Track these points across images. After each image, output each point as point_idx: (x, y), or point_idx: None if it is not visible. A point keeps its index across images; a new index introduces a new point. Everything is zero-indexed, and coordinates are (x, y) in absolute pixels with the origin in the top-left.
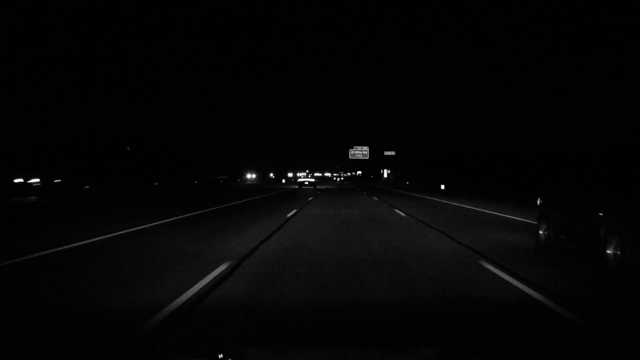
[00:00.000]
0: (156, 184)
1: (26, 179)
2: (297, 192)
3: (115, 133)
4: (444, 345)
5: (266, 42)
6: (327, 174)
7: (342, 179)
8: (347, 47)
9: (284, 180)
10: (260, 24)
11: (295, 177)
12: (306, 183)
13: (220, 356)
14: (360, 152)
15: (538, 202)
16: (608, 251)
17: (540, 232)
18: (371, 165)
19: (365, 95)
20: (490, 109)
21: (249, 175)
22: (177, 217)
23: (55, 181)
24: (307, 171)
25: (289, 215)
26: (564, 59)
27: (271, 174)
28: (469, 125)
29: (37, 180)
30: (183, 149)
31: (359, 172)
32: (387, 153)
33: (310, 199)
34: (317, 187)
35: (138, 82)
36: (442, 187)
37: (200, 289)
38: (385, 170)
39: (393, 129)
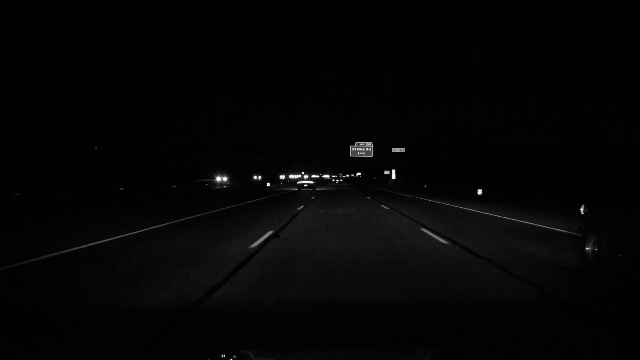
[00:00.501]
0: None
1: None
2: (262, 207)
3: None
4: (444, 346)
5: (247, 27)
6: (326, 176)
7: (340, 180)
8: (348, 27)
9: (268, 184)
10: (241, 11)
11: (287, 180)
12: (305, 185)
13: (220, 357)
14: (362, 149)
15: (582, 210)
16: None
17: (588, 248)
18: (374, 166)
19: (368, 86)
20: (514, 101)
21: (218, 178)
22: None
23: None
24: (302, 173)
25: None
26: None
27: (256, 177)
28: (487, 118)
29: None
30: (152, 149)
31: (359, 174)
32: (395, 150)
33: (265, 236)
34: (314, 189)
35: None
36: (480, 192)
37: None
38: (393, 171)
39: (401, 124)
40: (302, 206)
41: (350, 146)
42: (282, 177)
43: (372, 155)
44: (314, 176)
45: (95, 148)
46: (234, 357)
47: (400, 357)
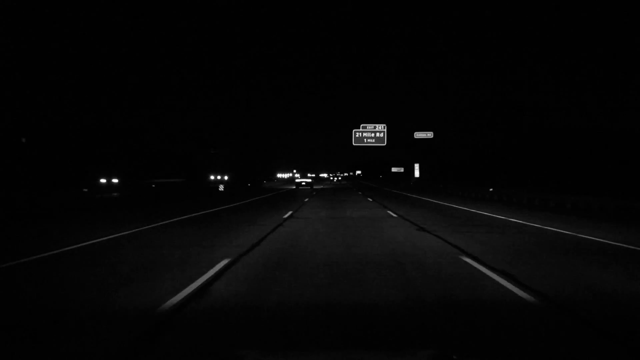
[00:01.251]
0: None
1: None
2: None
3: None
4: (442, 347)
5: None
6: (323, 175)
7: (339, 179)
8: None
9: (221, 187)
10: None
11: (265, 179)
12: (303, 183)
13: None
14: (371, 134)
15: None
16: None
17: None
18: (381, 162)
19: (378, 47)
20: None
21: (103, 180)
22: None
23: None
24: (294, 171)
25: None
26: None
27: (215, 177)
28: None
29: None
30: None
31: (358, 172)
32: (419, 135)
33: None
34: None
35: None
36: None
37: None
38: (417, 166)
39: (423, 105)
40: None
41: (354, 131)
42: (262, 177)
43: (385, 144)
44: (309, 174)
45: (23, 140)
46: (233, 357)
47: (400, 358)
